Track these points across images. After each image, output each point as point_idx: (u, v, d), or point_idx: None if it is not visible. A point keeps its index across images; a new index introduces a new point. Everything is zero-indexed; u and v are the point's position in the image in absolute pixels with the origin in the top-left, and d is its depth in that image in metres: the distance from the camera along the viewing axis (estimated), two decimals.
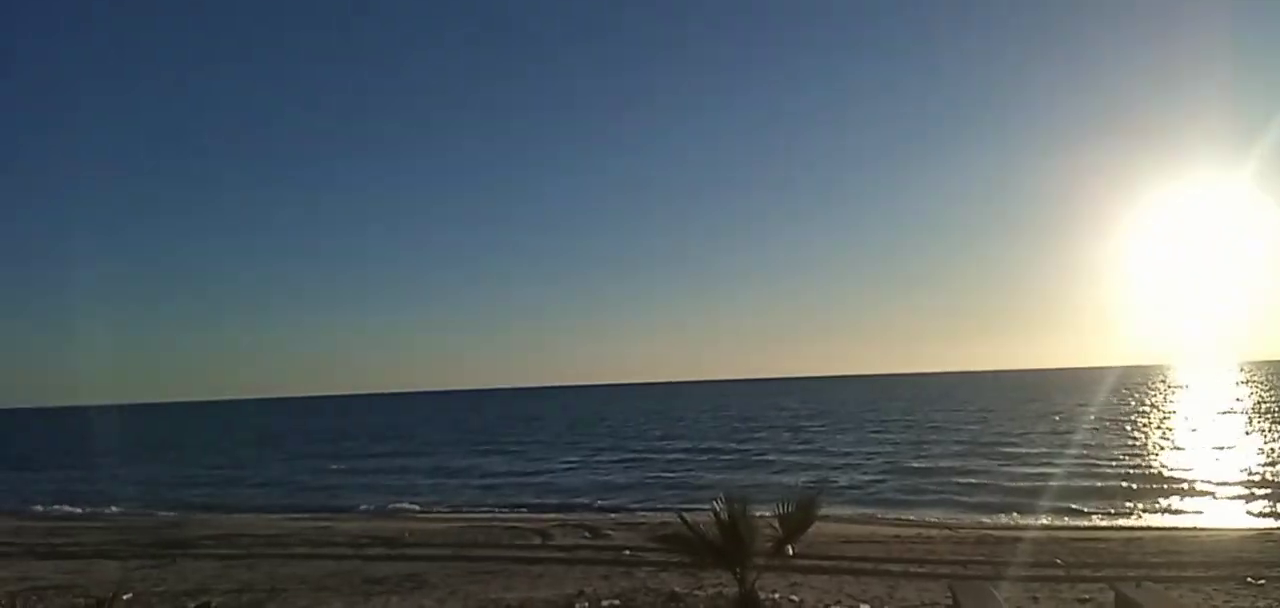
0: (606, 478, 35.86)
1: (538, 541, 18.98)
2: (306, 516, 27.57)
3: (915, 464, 35.83)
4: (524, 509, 27.44)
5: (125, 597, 12.71)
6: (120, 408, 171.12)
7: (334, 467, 45.17)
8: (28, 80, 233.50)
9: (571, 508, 27.24)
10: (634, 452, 47.32)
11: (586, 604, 11.94)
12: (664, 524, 19.25)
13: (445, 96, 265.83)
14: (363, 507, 29.62)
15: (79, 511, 30.11)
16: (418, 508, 28.95)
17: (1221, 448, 37.84)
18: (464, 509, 28.25)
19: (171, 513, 28.60)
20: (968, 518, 22.76)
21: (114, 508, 30.81)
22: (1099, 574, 13.17)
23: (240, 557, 17.64)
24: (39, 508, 31.58)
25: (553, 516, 24.77)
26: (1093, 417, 60.52)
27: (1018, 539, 17.39)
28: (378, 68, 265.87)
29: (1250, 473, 29.52)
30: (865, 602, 11.55)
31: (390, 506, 29.48)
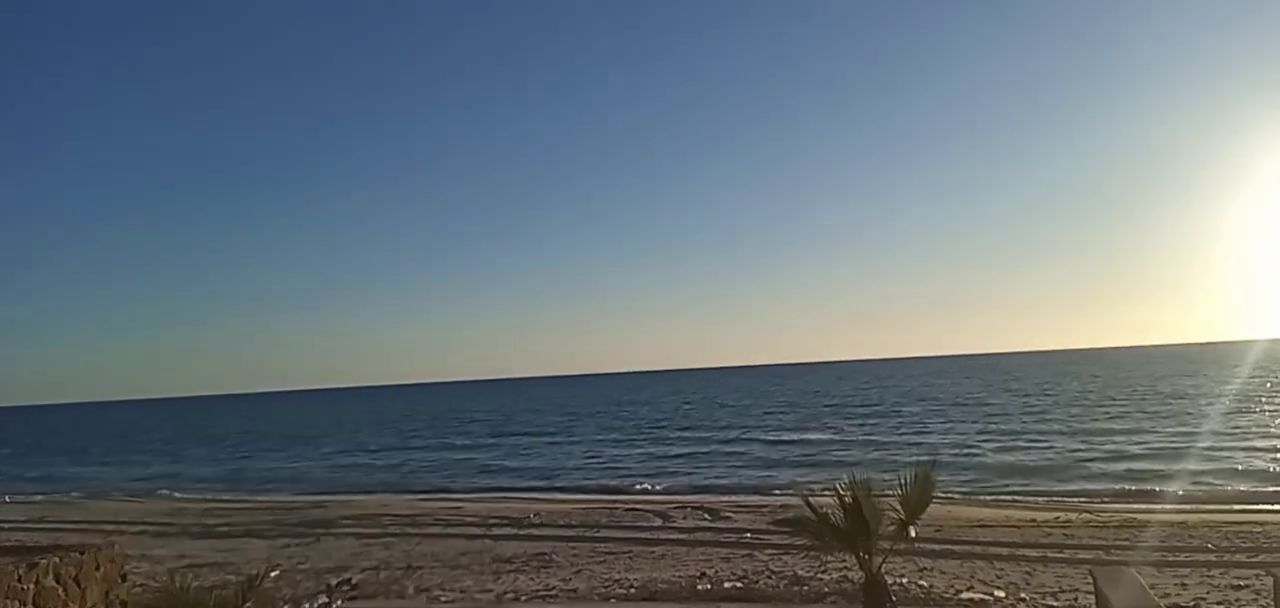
0: (711, 462, 35.81)
1: (659, 522, 19.13)
2: (437, 496, 28.60)
3: (1046, 445, 34.32)
4: (642, 491, 27.66)
5: (273, 573, 13.50)
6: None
7: (458, 442, 46.75)
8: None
9: (691, 491, 27.30)
10: (735, 435, 47.10)
11: (708, 586, 11.97)
12: (784, 507, 19.09)
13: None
14: (491, 489, 30.53)
15: (227, 494, 32.06)
16: (542, 489, 29.63)
17: None
18: (585, 491, 28.73)
19: (312, 496, 30.11)
20: (1110, 501, 21.63)
21: (258, 492, 32.71)
22: (1254, 560, 12.35)
23: (377, 536, 18.47)
24: (190, 490, 33.90)
25: (673, 498, 24.91)
26: (1236, 394, 56.38)
27: (1162, 522, 16.46)
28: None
29: None
30: (999, 589, 11.16)
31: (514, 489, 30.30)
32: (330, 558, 15.91)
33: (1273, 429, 34.58)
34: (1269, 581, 9.02)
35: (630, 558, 14.55)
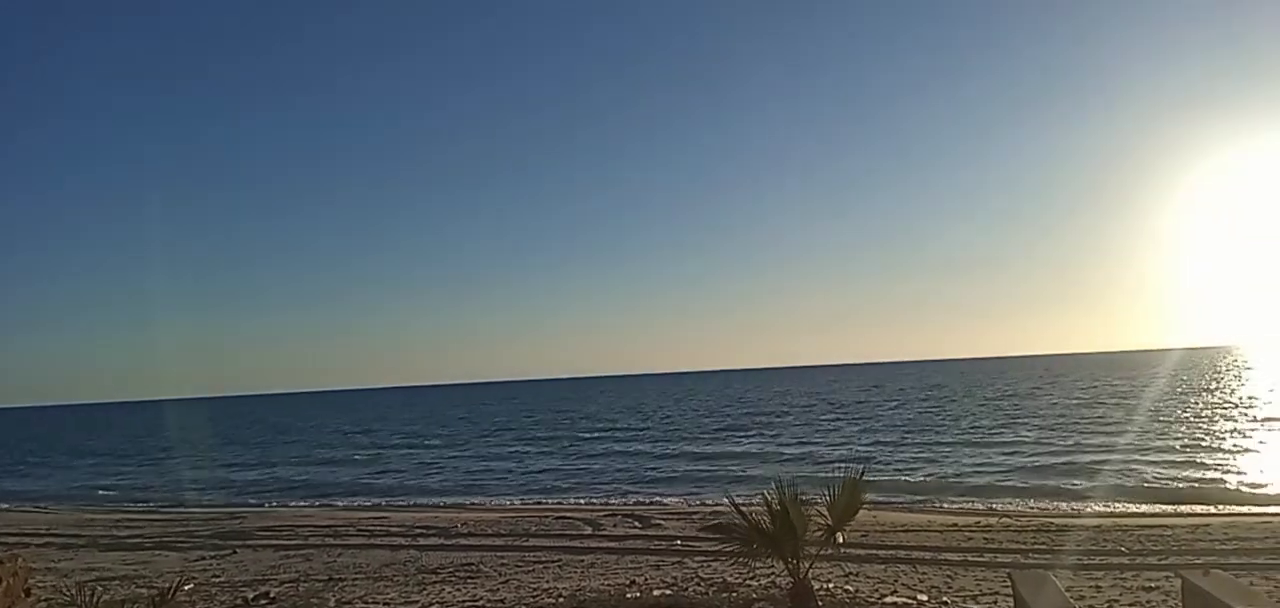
0: (648, 467, 35.83)
1: (589, 530, 19.01)
2: (361, 506, 28.03)
3: (970, 450, 35.22)
4: (572, 499, 27.53)
5: (186, 588, 13.00)
6: (158, 403, 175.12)
7: (357, 456, 45.88)
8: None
9: (620, 497, 27.27)
10: (664, 439, 47.28)
11: (638, 594, 11.90)
12: (714, 514, 19.17)
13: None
14: (416, 498, 30.03)
15: (139, 503, 30.91)
16: (470, 499, 29.25)
17: None
18: (513, 499, 28.46)
19: (229, 506, 29.22)
20: (1027, 505, 22.28)
21: (172, 501, 31.61)
22: (1164, 562, 12.79)
23: (297, 548, 17.97)
24: (102, 499, 32.55)
25: (602, 505, 24.82)
26: (1154, 400, 58.93)
27: (1079, 527, 17.00)
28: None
29: None
30: (922, 593, 11.34)
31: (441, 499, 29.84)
32: (247, 571, 15.40)
33: (1182, 437, 36.03)
34: (1177, 582, 9.33)
35: (559, 567, 14.42)
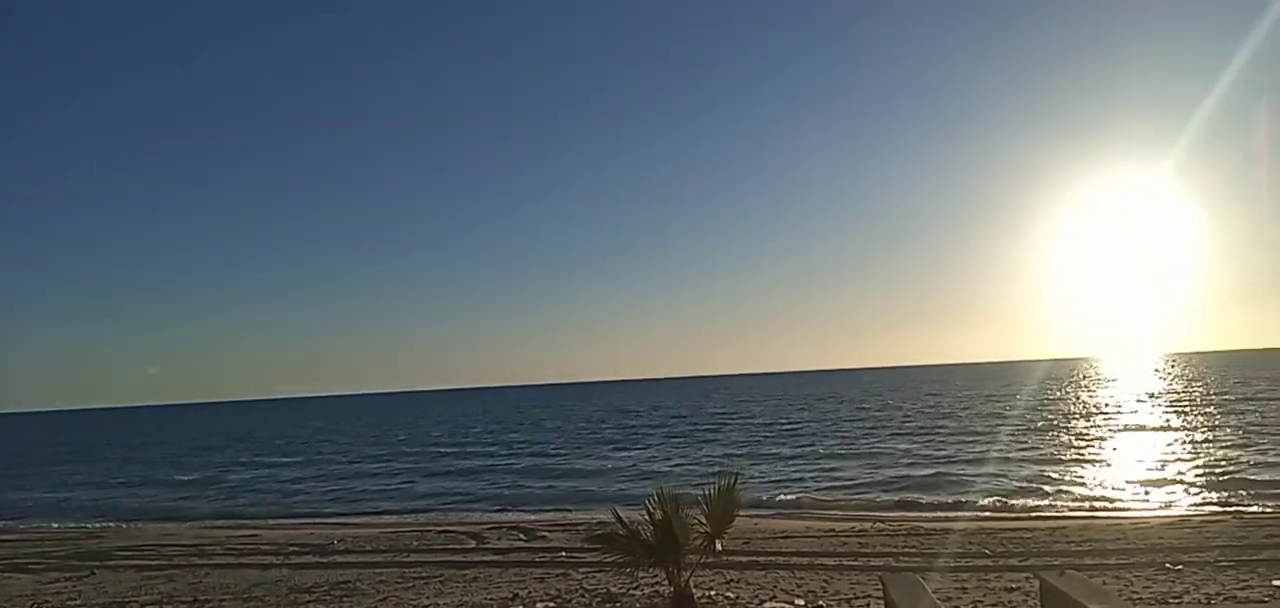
0: (534, 480, 35.57)
1: (472, 544, 18.71)
2: (230, 524, 26.84)
3: (846, 459, 36.31)
4: (458, 513, 27.07)
5: None
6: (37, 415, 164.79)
7: (184, 478, 43.83)
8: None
9: (505, 510, 26.94)
10: (548, 449, 47.15)
11: (521, 607, 11.77)
12: (601, 524, 19.14)
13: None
14: (286, 514, 28.96)
15: None
16: (349, 514, 28.38)
17: (1142, 439, 39.14)
18: (396, 513, 27.78)
19: (91, 524, 27.53)
20: (900, 512, 23.13)
21: (28, 519, 29.59)
22: (1025, 564, 13.45)
23: (160, 568, 17.05)
24: None
25: (487, 518, 24.47)
26: (1021, 409, 62.25)
27: (947, 531, 17.68)
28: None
29: (1168, 463, 30.53)
30: (799, 597, 11.60)
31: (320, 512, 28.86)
32: (106, 593, 14.50)
33: (1045, 444, 38.09)
34: (1036, 583, 9.82)
35: (441, 582, 14.11)
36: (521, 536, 19.57)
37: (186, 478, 43.83)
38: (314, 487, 36.96)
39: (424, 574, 14.91)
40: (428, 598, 12.79)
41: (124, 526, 26.91)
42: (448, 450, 53.09)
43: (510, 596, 12.62)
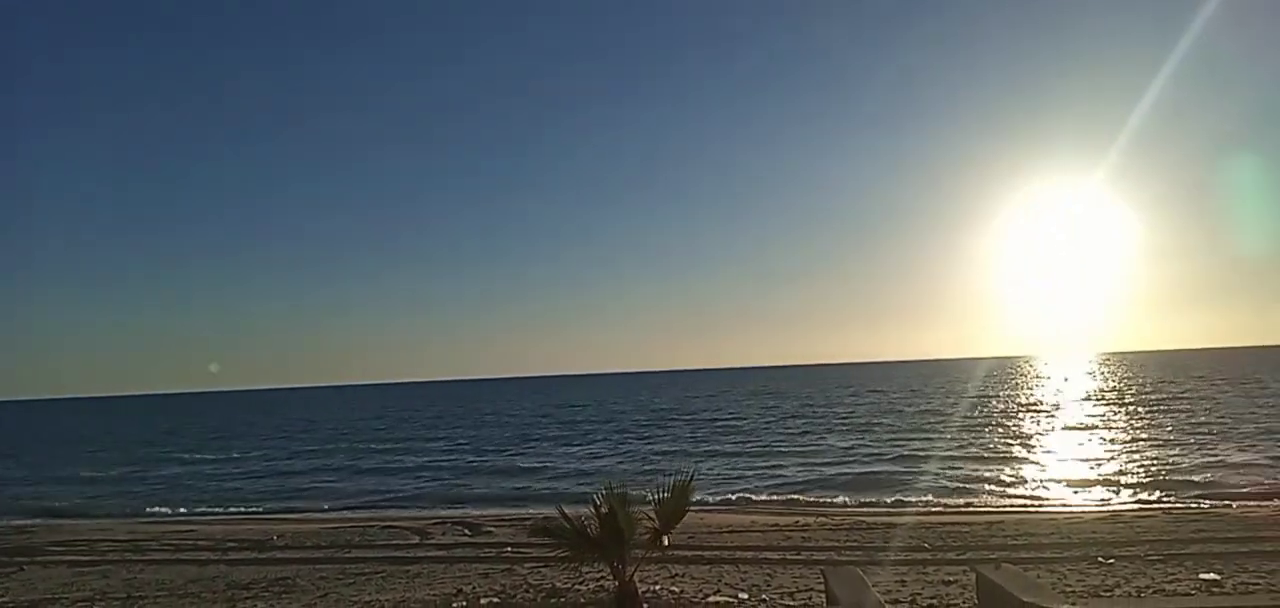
0: (477, 475, 35.34)
1: (416, 540, 18.51)
2: (168, 518, 26.19)
3: (790, 454, 36.71)
4: (400, 508, 26.77)
5: None
6: None
7: (115, 472, 42.74)
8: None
9: (451, 505, 26.70)
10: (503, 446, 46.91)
11: (464, 603, 11.68)
12: (546, 519, 19.05)
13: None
14: (229, 508, 28.36)
15: None
16: (289, 509, 27.88)
17: (1077, 436, 40.26)
18: (339, 509, 27.36)
19: (20, 519, 26.65)
20: (843, 506, 23.46)
21: None
22: (962, 557, 13.74)
23: (93, 563, 16.57)
24: None
25: (431, 514, 24.22)
26: (963, 406, 63.59)
27: (888, 525, 17.98)
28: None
29: (1102, 460, 31.44)
30: (743, 591, 11.70)
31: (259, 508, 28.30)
32: (35, 590, 14.05)
33: (985, 440, 38.97)
34: (973, 576, 10.04)
35: (383, 578, 13.94)
36: (466, 531, 19.40)
37: (114, 473, 42.63)
38: (247, 484, 36.18)
39: (366, 571, 14.72)
40: (369, 595, 12.64)
41: (56, 522, 26.08)
42: (388, 446, 52.42)
43: (454, 591, 12.53)
